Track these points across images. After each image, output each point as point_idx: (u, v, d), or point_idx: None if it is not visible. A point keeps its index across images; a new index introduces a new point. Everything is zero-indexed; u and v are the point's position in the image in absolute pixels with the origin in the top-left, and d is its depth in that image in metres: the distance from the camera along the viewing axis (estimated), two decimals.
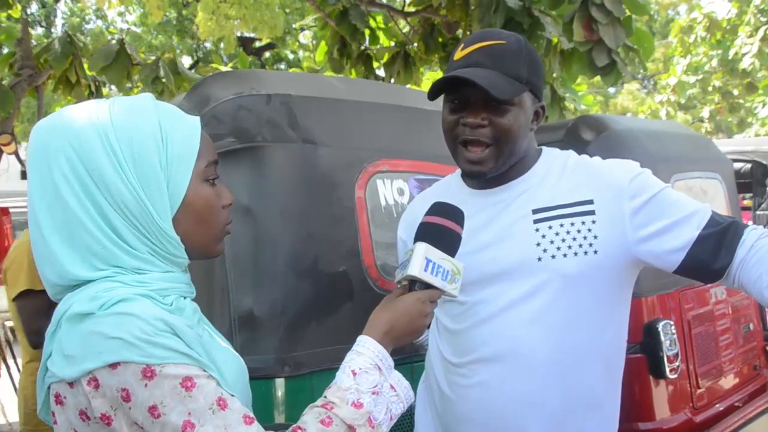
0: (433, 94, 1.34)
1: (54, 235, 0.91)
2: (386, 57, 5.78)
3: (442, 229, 1.14)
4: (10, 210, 6.02)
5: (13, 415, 4.49)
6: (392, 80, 5.71)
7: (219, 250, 1.04)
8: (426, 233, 1.13)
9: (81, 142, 0.90)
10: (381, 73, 6.11)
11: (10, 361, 4.46)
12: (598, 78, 4.18)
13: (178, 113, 0.99)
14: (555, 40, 4.30)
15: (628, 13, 3.92)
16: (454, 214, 1.16)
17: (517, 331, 1.30)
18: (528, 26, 3.97)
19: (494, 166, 1.32)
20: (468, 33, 4.90)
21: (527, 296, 1.30)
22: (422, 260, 1.08)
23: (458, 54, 1.32)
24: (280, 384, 1.60)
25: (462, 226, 1.16)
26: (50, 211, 0.91)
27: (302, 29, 13.84)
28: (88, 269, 0.91)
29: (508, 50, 1.30)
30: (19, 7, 5.25)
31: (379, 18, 5.85)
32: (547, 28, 4.10)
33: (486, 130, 1.29)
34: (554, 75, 4.57)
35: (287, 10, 12.82)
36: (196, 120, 1.00)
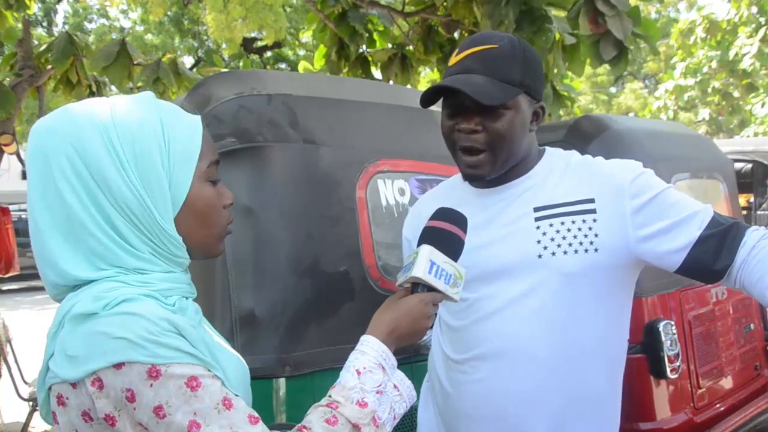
0: (425, 102, 1.35)
1: (55, 235, 0.90)
2: (382, 60, 5.76)
3: (446, 234, 1.15)
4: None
5: (10, 416, 4.50)
6: (390, 83, 5.71)
7: (220, 249, 1.04)
8: (430, 237, 1.14)
9: (82, 142, 0.89)
10: (378, 75, 6.10)
11: (11, 361, 4.46)
12: (600, 78, 4.13)
13: (179, 112, 0.98)
14: (558, 36, 4.24)
15: (633, 3, 3.85)
16: (458, 219, 1.18)
17: (518, 328, 1.31)
18: (537, 19, 3.87)
19: (492, 170, 1.33)
20: (470, 33, 4.87)
21: (527, 293, 1.31)
22: (426, 263, 1.09)
23: (452, 60, 1.34)
24: (281, 384, 1.59)
25: (465, 231, 1.18)
26: (51, 212, 0.90)
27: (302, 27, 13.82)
28: (90, 270, 0.90)
29: (501, 54, 1.29)
30: (32, 7, 5.22)
31: (377, 21, 5.83)
32: (554, 22, 4.02)
33: (480, 136, 1.30)
34: (555, 71, 4.48)
35: (288, 9, 12.81)
36: (197, 119, 1.00)
